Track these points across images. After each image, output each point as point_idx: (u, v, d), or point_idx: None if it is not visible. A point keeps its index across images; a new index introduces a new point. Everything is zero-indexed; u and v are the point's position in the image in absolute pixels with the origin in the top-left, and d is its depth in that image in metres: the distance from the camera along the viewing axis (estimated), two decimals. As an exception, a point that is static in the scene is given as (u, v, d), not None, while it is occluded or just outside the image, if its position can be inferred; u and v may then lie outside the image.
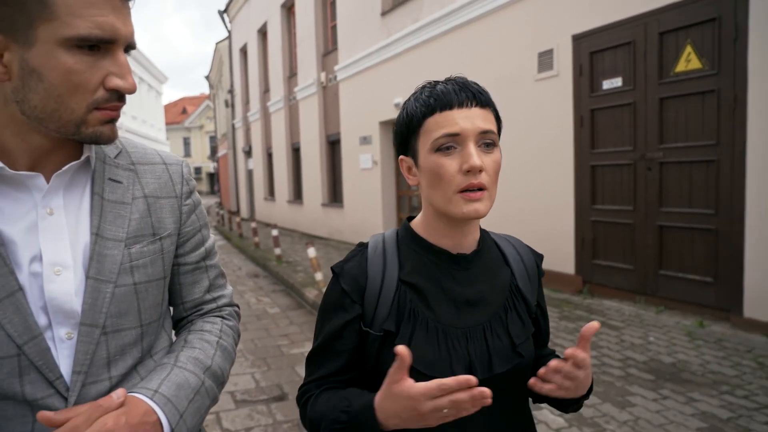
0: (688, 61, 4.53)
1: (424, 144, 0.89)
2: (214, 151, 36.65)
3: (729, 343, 4.03)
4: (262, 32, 16.88)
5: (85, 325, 0.81)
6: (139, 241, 0.88)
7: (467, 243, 0.96)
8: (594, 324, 0.80)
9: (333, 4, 11.75)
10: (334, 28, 11.81)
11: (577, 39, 5.53)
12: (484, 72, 6.59)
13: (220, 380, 0.94)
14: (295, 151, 14.73)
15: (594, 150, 5.46)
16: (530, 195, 6.21)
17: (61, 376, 0.79)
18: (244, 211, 21.01)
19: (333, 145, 12.36)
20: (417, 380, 0.81)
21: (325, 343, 0.95)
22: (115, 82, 0.76)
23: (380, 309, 0.91)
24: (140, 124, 29.94)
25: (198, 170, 58.41)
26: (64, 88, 0.74)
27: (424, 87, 0.93)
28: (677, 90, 4.65)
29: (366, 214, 10.43)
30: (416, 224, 0.99)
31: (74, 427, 0.70)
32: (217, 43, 23.78)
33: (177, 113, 56.33)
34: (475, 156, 0.84)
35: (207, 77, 28.92)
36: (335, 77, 11.52)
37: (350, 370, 0.96)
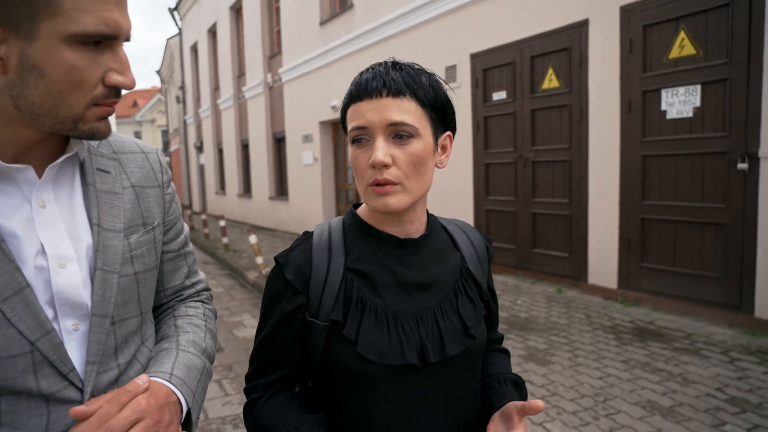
0: (550, 80, 5.67)
1: (348, 135, 0.88)
2: (166, 145, 36.44)
3: (574, 304, 5.20)
4: (212, 32, 17.42)
5: (97, 316, 0.81)
6: (134, 232, 0.88)
7: (413, 229, 0.94)
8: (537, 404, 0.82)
9: (278, 9, 12.52)
10: (279, 32, 12.61)
11: (474, 57, 6.61)
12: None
13: (212, 360, 0.99)
14: (244, 148, 15.45)
15: (487, 150, 6.56)
16: (437, 188, 7.25)
17: (74, 368, 0.79)
18: (197, 205, 21.48)
19: (279, 142, 13.18)
20: (369, 369, 0.85)
21: (269, 335, 0.92)
22: (116, 78, 0.74)
23: (326, 298, 0.88)
24: (89, 118, 29.62)
25: (150, 164, 57.39)
26: (65, 85, 0.71)
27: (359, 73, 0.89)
28: (544, 103, 5.78)
29: (309, 206, 11.35)
30: (362, 211, 0.97)
31: (106, 413, 0.72)
32: (168, 39, 23.99)
33: (127, 106, 55.24)
34: (379, 150, 0.81)
35: (158, 72, 28.98)
36: (280, 79, 12.33)
37: (296, 364, 0.94)
